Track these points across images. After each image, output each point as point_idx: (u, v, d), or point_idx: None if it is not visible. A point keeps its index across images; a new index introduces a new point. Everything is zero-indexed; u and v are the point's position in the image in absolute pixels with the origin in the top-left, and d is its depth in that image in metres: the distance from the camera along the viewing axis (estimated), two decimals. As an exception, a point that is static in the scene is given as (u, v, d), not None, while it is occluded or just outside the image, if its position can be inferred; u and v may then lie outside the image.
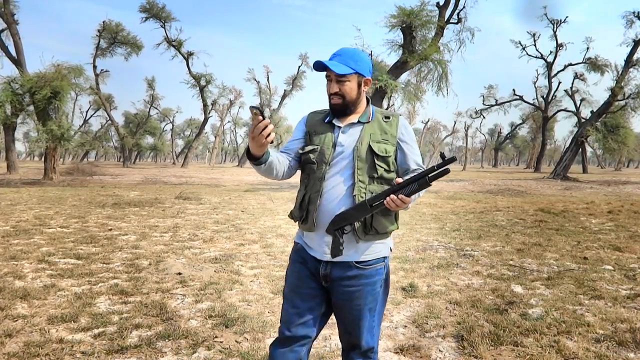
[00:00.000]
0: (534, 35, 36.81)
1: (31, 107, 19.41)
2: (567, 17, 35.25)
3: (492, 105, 44.66)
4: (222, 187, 18.14)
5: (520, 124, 57.06)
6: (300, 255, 1.92)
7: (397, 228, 1.94)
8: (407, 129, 1.93)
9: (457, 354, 2.98)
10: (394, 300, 3.99)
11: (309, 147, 1.87)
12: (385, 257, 1.91)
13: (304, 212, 1.85)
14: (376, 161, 1.82)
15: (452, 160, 1.65)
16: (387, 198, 1.70)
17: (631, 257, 5.74)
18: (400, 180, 1.72)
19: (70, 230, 7.15)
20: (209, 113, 42.73)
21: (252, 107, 1.59)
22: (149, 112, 53.05)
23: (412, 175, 1.76)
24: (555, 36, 35.38)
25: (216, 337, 3.16)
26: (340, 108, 1.85)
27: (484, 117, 48.19)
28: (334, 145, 1.85)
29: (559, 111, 43.53)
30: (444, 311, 3.74)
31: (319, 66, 1.81)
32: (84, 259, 5.27)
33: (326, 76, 1.85)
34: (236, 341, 3.10)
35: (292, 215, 1.94)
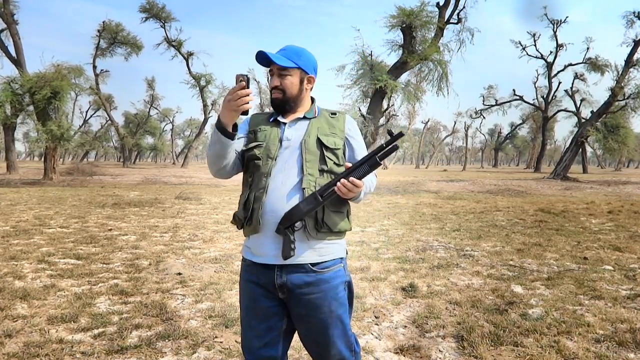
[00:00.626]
0: (534, 35, 36.84)
1: (31, 107, 19.42)
2: (567, 17, 35.27)
3: (492, 106, 44.66)
4: (222, 187, 18.14)
5: (520, 124, 57.08)
6: (249, 273, 1.80)
7: (350, 229, 1.84)
8: (353, 125, 1.90)
9: (457, 354, 2.98)
10: (394, 300, 3.99)
11: (254, 144, 1.79)
12: (342, 258, 1.82)
13: (248, 212, 1.73)
14: (325, 153, 1.76)
15: (400, 135, 1.61)
16: (338, 183, 1.63)
17: (631, 257, 5.74)
18: (349, 164, 1.70)
19: (70, 230, 7.15)
20: (209, 113, 42.71)
21: (239, 75, 1.56)
22: (149, 112, 53.06)
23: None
24: (555, 36, 35.39)
25: (216, 337, 3.16)
26: (280, 103, 1.79)
27: (484, 117, 48.22)
28: (280, 141, 1.78)
29: (559, 111, 43.55)
30: (444, 311, 3.74)
31: (262, 58, 1.75)
32: (83, 259, 5.27)
33: (269, 71, 1.80)
34: (236, 341, 3.10)
35: (235, 219, 1.81)
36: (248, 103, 1.61)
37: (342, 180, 1.63)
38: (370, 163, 1.63)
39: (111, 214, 9.15)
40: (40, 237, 6.47)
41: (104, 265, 5.03)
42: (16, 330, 3.17)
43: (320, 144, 1.77)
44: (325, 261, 1.75)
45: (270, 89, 1.81)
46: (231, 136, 1.70)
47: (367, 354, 2.96)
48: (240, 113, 1.64)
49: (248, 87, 1.57)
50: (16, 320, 3.37)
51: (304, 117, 1.83)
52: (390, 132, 1.66)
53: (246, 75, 1.56)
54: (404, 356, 2.95)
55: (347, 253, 1.87)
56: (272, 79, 1.79)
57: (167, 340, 3.08)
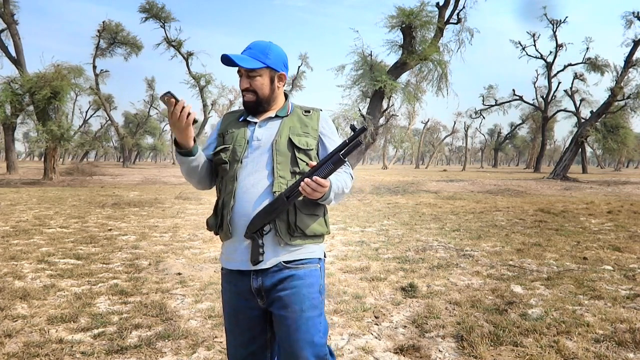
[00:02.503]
0: (533, 35, 36.85)
1: (31, 107, 19.45)
2: (566, 17, 35.25)
3: (492, 106, 44.69)
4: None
5: (520, 124, 57.09)
6: (227, 281, 1.74)
7: (328, 232, 1.74)
8: (327, 122, 1.82)
9: (456, 354, 2.98)
10: (394, 300, 3.99)
11: (220, 147, 1.73)
12: (319, 259, 1.72)
13: (218, 218, 1.69)
14: (297, 154, 1.68)
15: (363, 130, 1.54)
16: (301, 183, 1.54)
17: (631, 257, 5.74)
18: (313, 163, 1.61)
19: (70, 230, 7.15)
20: (209, 113, 42.72)
21: (162, 96, 1.51)
22: (148, 112, 53.08)
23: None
24: (555, 36, 35.40)
25: (216, 337, 3.16)
26: (254, 105, 1.73)
27: (484, 117, 48.26)
28: (248, 142, 1.70)
29: (558, 111, 43.57)
30: (444, 311, 3.74)
31: (227, 60, 1.66)
32: (83, 259, 5.27)
33: (238, 72, 1.72)
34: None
35: (208, 225, 1.77)
36: (189, 114, 1.55)
37: (306, 179, 1.54)
38: (333, 160, 1.55)
39: (111, 214, 9.14)
40: (40, 237, 6.47)
41: (104, 265, 5.03)
42: (16, 330, 3.17)
43: (291, 144, 1.69)
44: (301, 258, 1.67)
45: (241, 90, 1.73)
46: (190, 153, 1.66)
47: (367, 353, 2.97)
48: (190, 127, 1.60)
49: (177, 100, 1.52)
50: (16, 320, 3.37)
51: (276, 116, 1.75)
52: (352, 127, 1.57)
53: (167, 93, 1.51)
54: (404, 356, 2.95)
55: (325, 256, 1.79)
56: (241, 80, 1.72)
57: (167, 340, 3.08)
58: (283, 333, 1.64)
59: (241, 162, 1.68)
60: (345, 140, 1.56)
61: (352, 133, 1.56)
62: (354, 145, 1.54)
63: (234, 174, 1.67)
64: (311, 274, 1.67)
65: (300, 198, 1.61)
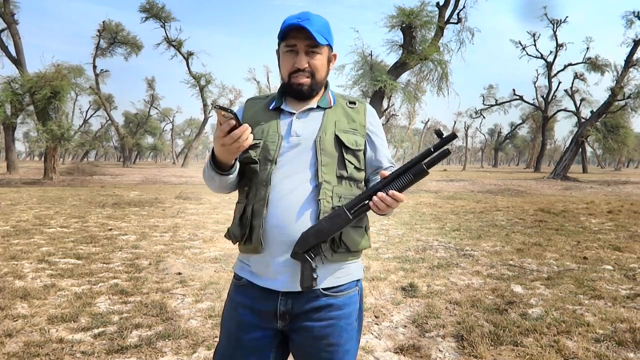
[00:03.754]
0: (534, 35, 36.86)
1: (31, 107, 19.46)
2: (567, 17, 35.27)
3: (492, 105, 44.71)
4: (222, 187, 18.13)
5: (520, 123, 57.11)
6: (244, 295, 1.43)
7: (370, 246, 1.49)
8: (375, 117, 1.53)
9: (457, 353, 2.98)
10: (394, 300, 3.99)
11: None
12: (358, 280, 1.47)
13: (246, 229, 1.38)
14: (345, 155, 1.40)
15: (453, 137, 1.24)
16: (374, 197, 1.27)
17: (631, 257, 5.74)
18: (385, 173, 1.30)
19: (70, 230, 7.15)
20: (209, 113, 42.73)
21: (220, 108, 1.19)
22: (149, 112, 53.11)
23: (389, 170, 1.44)
24: (555, 36, 35.41)
25: (216, 336, 3.16)
26: (307, 90, 1.41)
27: (484, 117, 48.29)
28: (283, 137, 1.40)
29: (559, 111, 43.57)
30: (444, 311, 3.74)
31: (288, 31, 1.36)
32: (84, 258, 5.27)
33: (287, 47, 1.39)
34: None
35: (230, 235, 1.46)
36: (248, 139, 1.25)
37: (380, 194, 1.26)
38: (414, 171, 1.26)
39: (111, 213, 9.15)
40: (40, 237, 6.47)
41: (104, 265, 5.03)
42: (16, 330, 3.17)
43: (338, 142, 1.41)
44: (341, 285, 1.41)
45: (291, 72, 1.40)
46: (231, 172, 1.37)
47: (367, 353, 2.97)
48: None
49: (240, 124, 1.23)
50: (16, 320, 3.37)
51: (318, 107, 1.45)
52: (439, 133, 1.26)
53: (229, 110, 1.19)
54: (404, 356, 2.95)
55: (363, 274, 1.53)
56: (298, 58, 1.38)
57: (167, 340, 3.08)
58: None
59: (275, 162, 1.38)
60: (430, 149, 1.26)
61: (439, 140, 1.25)
62: (442, 154, 1.25)
63: (267, 177, 1.37)
64: (350, 301, 1.43)
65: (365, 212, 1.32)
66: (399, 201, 1.26)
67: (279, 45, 1.43)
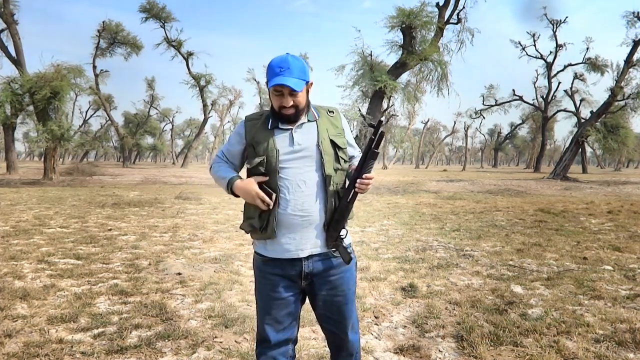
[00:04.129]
0: (533, 35, 36.87)
1: (31, 107, 19.45)
2: (566, 17, 35.28)
3: (492, 106, 44.68)
4: (221, 187, 18.13)
5: (520, 124, 57.10)
6: (272, 266, 1.92)
7: (353, 216, 2.04)
8: (344, 120, 2.06)
9: (456, 354, 2.98)
10: (394, 300, 3.99)
11: (257, 160, 1.87)
12: (350, 243, 2.03)
13: (264, 222, 1.86)
14: (338, 153, 1.92)
15: (380, 124, 1.79)
16: (356, 185, 1.81)
17: (631, 257, 5.74)
18: (354, 165, 1.92)
19: (70, 230, 7.15)
20: (209, 113, 42.74)
21: (272, 194, 1.82)
22: (148, 112, 53.08)
23: (357, 157, 2.02)
24: (555, 36, 35.41)
25: (216, 337, 3.16)
26: (294, 117, 1.88)
27: (484, 117, 48.24)
28: (282, 147, 1.86)
29: (558, 111, 43.58)
30: (444, 311, 3.74)
31: (279, 86, 1.81)
32: (83, 259, 5.27)
33: (275, 91, 1.83)
34: (236, 341, 3.10)
35: (250, 228, 1.92)
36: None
37: (359, 180, 1.81)
38: (370, 155, 1.79)
39: (111, 214, 9.15)
40: (40, 237, 6.47)
41: (104, 265, 5.03)
42: (16, 330, 3.17)
43: (333, 145, 1.92)
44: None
45: (280, 107, 1.85)
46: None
47: (367, 354, 2.97)
48: None
49: (274, 203, 1.83)
50: (16, 320, 3.37)
51: (308, 120, 1.93)
52: (371, 124, 1.85)
53: (274, 195, 1.83)
54: (404, 356, 2.95)
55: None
56: (284, 99, 1.82)
57: (166, 340, 3.08)
58: (333, 309, 1.98)
59: (278, 171, 1.85)
60: (372, 137, 1.78)
61: (373, 129, 1.79)
62: (380, 136, 1.77)
63: (274, 185, 1.85)
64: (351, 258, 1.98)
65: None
66: (372, 178, 1.83)
67: (267, 84, 1.86)
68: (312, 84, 1.93)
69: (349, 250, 1.93)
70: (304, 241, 1.87)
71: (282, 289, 1.91)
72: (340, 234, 1.88)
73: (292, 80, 1.80)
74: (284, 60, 1.82)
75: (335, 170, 1.90)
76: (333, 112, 2.01)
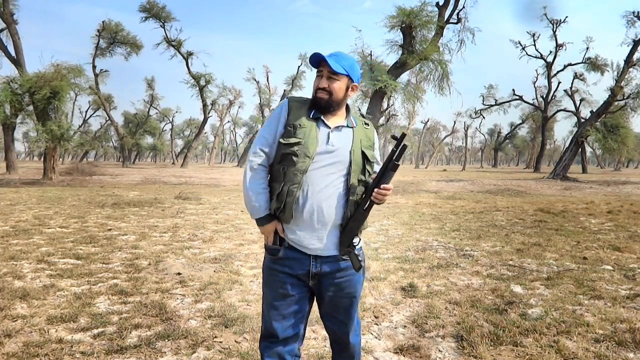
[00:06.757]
0: (533, 35, 36.87)
1: (30, 107, 19.41)
2: (566, 17, 35.29)
3: (492, 105, 44.69)
4: (221, 187, 18.14)
5: (520, 124, 57.11)
6: (282, 265, 1.93)
7: (368, 226, 2.07)
8: (376, 136, 2.10)
9: (456, 354, 2.98)
10: (394, 300, 3.99)
11: (293, 140, 1.85)
12: (361, 247, 2.03)
13: (281, 204, 1.86)
14: (366, 165, 1.92)
15: (403, 136, 1.78)
16: (373, 194, 1.81)
17: (631, 257, 5.74)
18: (374, 176, 1.89)
19: (70, 230, 7.14)
20: (209, 113, 42.71)
21: (273, 249, 1.95)
22: (148, 112, 53.05)
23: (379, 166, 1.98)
24: (555, 36, 35.42)
25: (216, 337, 3.16)
26: (325, 103, 1.89)
27: (484, 117, 48.26)
28: (318, 143, 1.87)
29: (558, 111, 43.60)
30: (444, 311, 3.74)
31: (316, 61, 1.89)
32: (83, 259, 5.26)
33: (318, 72, 1.91)
34: (236, 341, 3.10)
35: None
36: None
37: (377, 190, 1.81)
38: (391, 167, 1.80)
39: (111, 213, 9.14)
40: (39, 237, 6.47)
41: (104, 265, 5.03)
42: (16, 330, 3.16)
43: (363, 156, 1.92)
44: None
45: (317, 88, 1.89)
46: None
47: (367, 353, 2.96)
48: None
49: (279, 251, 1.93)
50: (16, 320, 3.36)
51: (347, 126, 1.95)
52: (394, 137, 1.83)
53: (279, 246, 1.94)
54: (404, 356, 2.95)
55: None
56: (321, 80, 1.88)
57: (166, 340, 3.08)
58: (339, 310, 2.01)
59: (313, 158, 1.84)
60: (393, 149, 1.80)
61: (396, 141, 1.80)
62: (402, 149, 1.79)
63: (304, 168, 1.83)
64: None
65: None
66: (389, 189, 1.82)
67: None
68: (356, 87, 1.96)
69: (359, 258, 1.92)
70: (313, 240, 1.88)
71: (289, 286, 1.92)
72: (354, 241, 1.89)
73: (332, 59, 1.85)
74: (338, 52, 1.92)
75: (359, 181, 1.90)
76: (368, 125, 2.04)
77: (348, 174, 1.88)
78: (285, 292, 1.93)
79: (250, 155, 1.94)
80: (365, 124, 2.02)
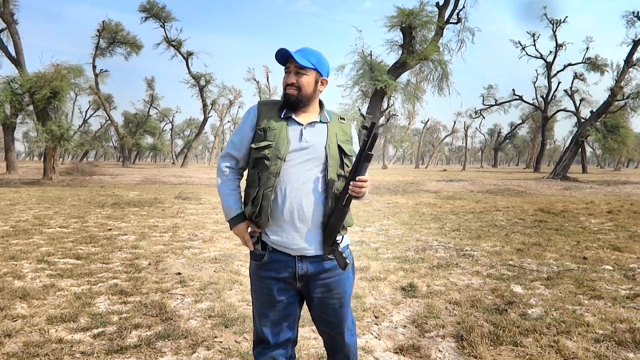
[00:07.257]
0: (533, 35, 36.84)
1: (30, 107, 19.42)
2: (566, 17, 35.26)
3: (492, 105, 44.68)
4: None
5: (520, 124, 57.09)
6: (266, 269, 1.89)
7: (353, 223, 2.04)
8: (354, 129, 2.08)
9: (456, 354, 2.98)
10: (394, 300, 3.99)
11: (264, 143, 1.84)
12: (347, 245, 1.99)
13: (256, 208, 1.83)
14: (344, 160, 1.90)
15: (373, 125, 1.76)
16: (350, 188, 1.78)
17: (631, 257, 5.74)
18: (349, 169, 1.86)
19: (70, 230, 7.14)
20: (209, 113, 42.71)
21: (255, 253, 1.93)
22: (148, 112, 53.05)
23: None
24: (555, 36, 35.40)
25: (216, 337, 3.16)
26: (295, 99, 1.87)
27: (484, 117, 48.26)
28: (290, 142, 1.84)
29: (558, 111, 43.55)
30: (444, 311, 3.74)
31: (282, 56, 1.86)
32: (83, 259, 5.26)
33: (285, 68, 1.89)
34: (236, 341, 3.10)
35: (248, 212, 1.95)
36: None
37: (352, 183, 1.77)
38: (364, 157, 1.76)
39: (111, 213, 9.14)
40: (39, 237, 6.47)
41: (104, 265, 5.03)
42: (16, 330, 3.16)
43: (340, 150, 1.90)
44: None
45: (285, 85, 1.88)
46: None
47: (367, 353, 2.96)
48: None
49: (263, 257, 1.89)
50: (16, 320, 3.36)
51: (320, 122, 1.92)
52: (364, 126, 1.81)
53: (260, 249, 1.91)
54: (404, 356, 2.95)
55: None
56: (289, 76, 1.87)
57: (166, 340, 3.08)
58: (329, 311, 1.96)
59: (284, 160, 1.82)
60: (364, 138, 1.75)
61: (366, 131, 1.77)
62: (374, 138, 1.74)
63: (276, 170, 1.81)
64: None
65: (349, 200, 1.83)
66: (366, 181, 1.79)
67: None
68: (326, 81, 1.94)
69: (344, 255, 1.86)
70: (296, 240, 1.84)
71: (277, 292, 1.88)
72: (337, 239, 1.84)
73: (297, 54, 1.84)
74: (305, 47, 1.91)
75: (339, 176, 1.87)
76: (344, 120, 2.01)
77: (325, 170, 1.85)
78: (272, 299, 1.89)
79: (219, 161, 1.99)
80: (341, 118, 2.00)
